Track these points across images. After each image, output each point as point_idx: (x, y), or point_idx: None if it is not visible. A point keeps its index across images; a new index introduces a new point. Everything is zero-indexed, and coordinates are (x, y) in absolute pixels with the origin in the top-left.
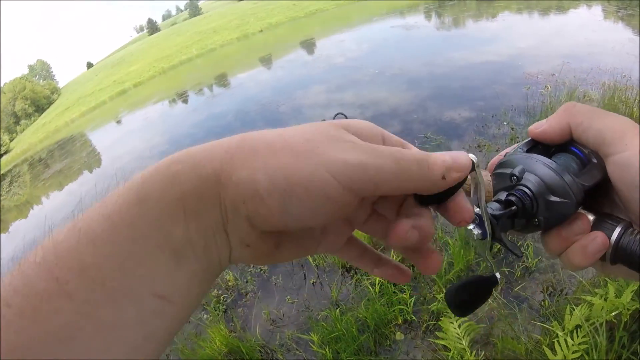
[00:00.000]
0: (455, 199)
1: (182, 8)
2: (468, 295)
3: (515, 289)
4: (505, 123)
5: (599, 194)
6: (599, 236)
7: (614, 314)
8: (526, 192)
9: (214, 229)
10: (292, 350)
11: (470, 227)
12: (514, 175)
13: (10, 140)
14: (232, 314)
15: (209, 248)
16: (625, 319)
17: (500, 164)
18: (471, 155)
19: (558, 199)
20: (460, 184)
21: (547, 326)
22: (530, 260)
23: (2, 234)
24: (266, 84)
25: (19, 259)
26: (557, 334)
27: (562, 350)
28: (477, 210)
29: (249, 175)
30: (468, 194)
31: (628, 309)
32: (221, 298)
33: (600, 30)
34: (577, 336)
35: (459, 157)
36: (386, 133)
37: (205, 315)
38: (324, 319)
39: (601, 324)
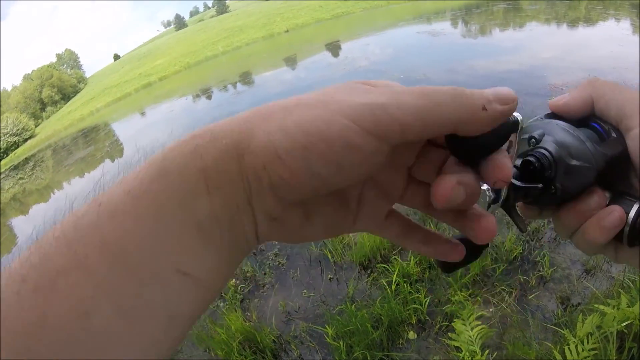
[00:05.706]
0: (495, 154)
1: (210, 5)
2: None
3: (529, 297)
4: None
5: (615, 175)
6: (616, 210)
7: (625, 324)
8: (545, 154)
9: (238, 203)
10: (306, 342)
11: (484, 187)
12: (533, 137)
13: (36, 126)
14: (249, 304)
15: (234, 223)
16: (636, 330)
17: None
18: (517, 114)
19: (579, 163)
20: (506, 132)
21: (559, 329)
22: (545, 269)
23: (22, 217)
24: (290, 83)
25: (39, 237)
26: (569, 342)
27: (572, 355)
28: None
29: (265, 137)
30: None
31: (639, 320)
32: (239, 288)
33: (627, 45)
34: (588, 342)
35: (501, 89)
36: None
37: (222, 303)
38: (339, 314)
39: (612, 333)
